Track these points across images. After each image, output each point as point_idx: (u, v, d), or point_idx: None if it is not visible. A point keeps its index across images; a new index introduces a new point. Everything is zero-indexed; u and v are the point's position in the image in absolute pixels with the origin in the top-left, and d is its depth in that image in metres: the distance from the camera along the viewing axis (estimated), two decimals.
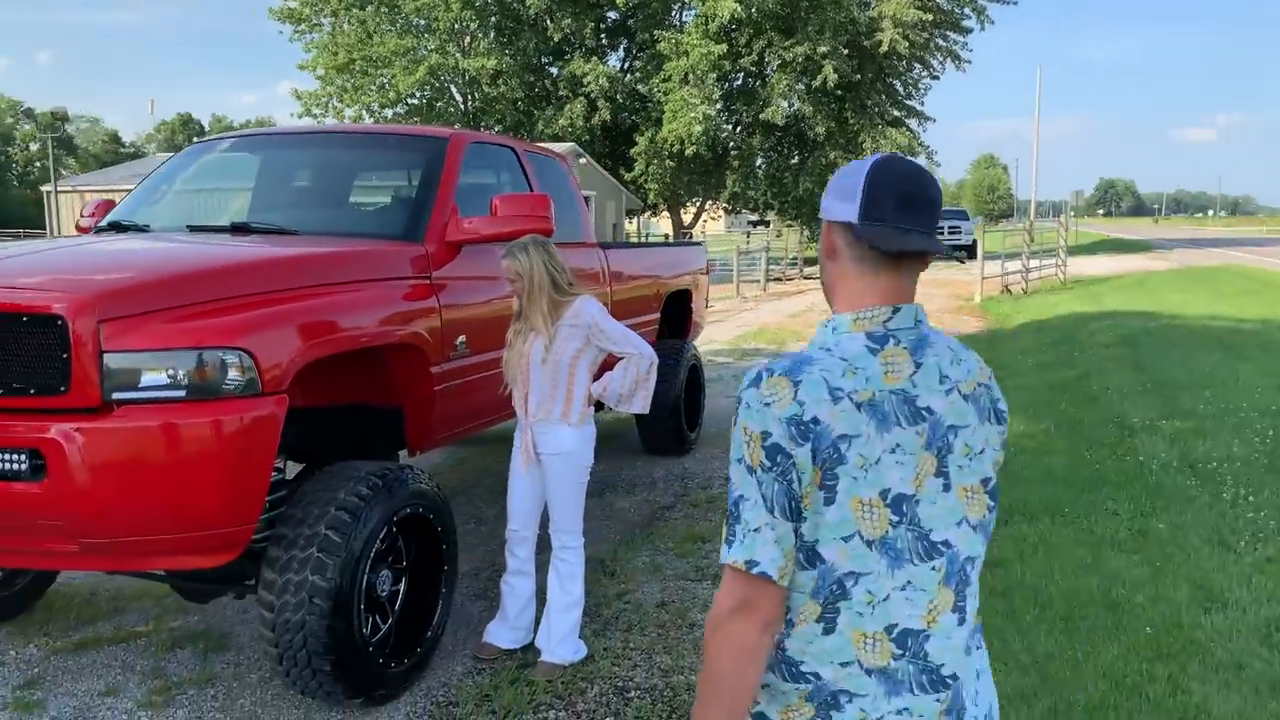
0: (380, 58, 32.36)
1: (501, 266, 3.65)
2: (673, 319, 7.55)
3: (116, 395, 2.90)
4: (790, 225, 40.84)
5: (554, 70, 35.57)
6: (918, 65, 36.06)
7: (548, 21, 33.41)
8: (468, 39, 33.74)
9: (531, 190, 5.11)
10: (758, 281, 25.25)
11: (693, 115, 31.16)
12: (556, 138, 32.50)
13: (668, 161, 33.73)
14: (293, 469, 3.97)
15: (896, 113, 36.17)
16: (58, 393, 2.88)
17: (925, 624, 1.45)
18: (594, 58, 33.49)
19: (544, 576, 3.93)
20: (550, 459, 3.70)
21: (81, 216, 4.94)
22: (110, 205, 4.90)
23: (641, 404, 3.70)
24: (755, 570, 1.39)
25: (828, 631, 1.44)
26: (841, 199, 1.50)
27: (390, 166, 4.81)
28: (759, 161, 38.73)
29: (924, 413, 1.45)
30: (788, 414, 1.39)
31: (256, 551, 3.40)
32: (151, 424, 2.91)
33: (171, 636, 4.10)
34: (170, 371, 2.95)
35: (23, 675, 3.76)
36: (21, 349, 2.90)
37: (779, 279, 27.73)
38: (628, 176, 35.00)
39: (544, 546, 3.91)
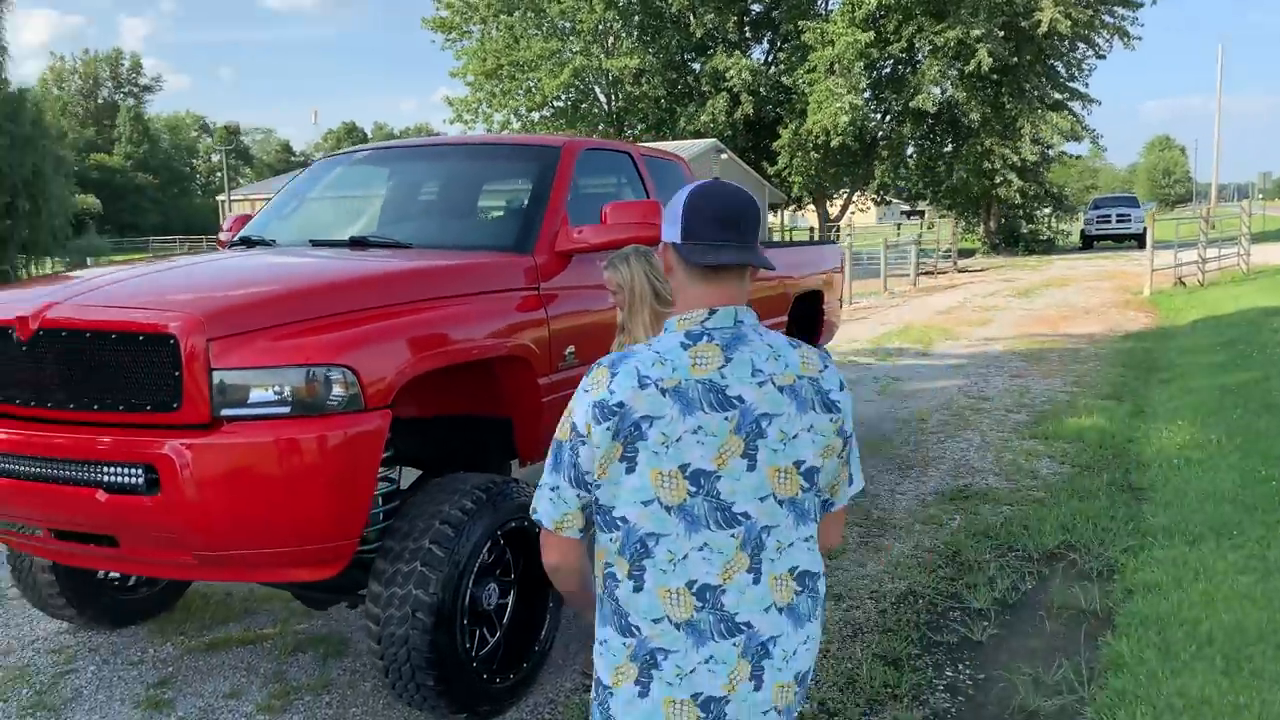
0: (526, 62, 33.09)
1: (603, 278, 3.57)
2: (803, 321, 7.32)
3: (225, 412, 2.98)
4: (944, 216, 39.44)
5: (696, 66, 35.54)
6: (1081, 44, 34.14)
7: (690, 18, 33.38)
8: (611, 39, 34.07)
9: (648, 195, 5.02)
10: (907, 276, 24.43)
11: (838, 105, 30.51)
12: (698, 134, 32.46)
13: (812, 153, 33.14)
14: (408, 478, 4.01)
15: (1058, 95, 34.36)
16: (171, 409, 2.98)
17: (721, 580, 1.71)
18: (736, 51, 33.27)
19: None
20: None
21: (221, 230, 5.17)
22: (246, 219, 5.10)
23: None
24: (535, 516, 1.82)
25: (638, 589, 1.72)
26: (669, 224, 1.80)
27: (504, 177, 4.81)
28: (910, 150, 37.55)
29: (734, 400, 1.70)
30: (598, 399, 1.70)
31: (367, 562, 3.44)
32: (257, 440, 2.96)
33: (295, 640, 4.22)
34: (276, 388, 3.00)
35: (158, 674, 3.94)
36: (139, 367, 3.01)
37: (930, 273, 26.74)
38: (771, 170, 34.58)
39: None
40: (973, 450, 7.12)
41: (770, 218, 39.05)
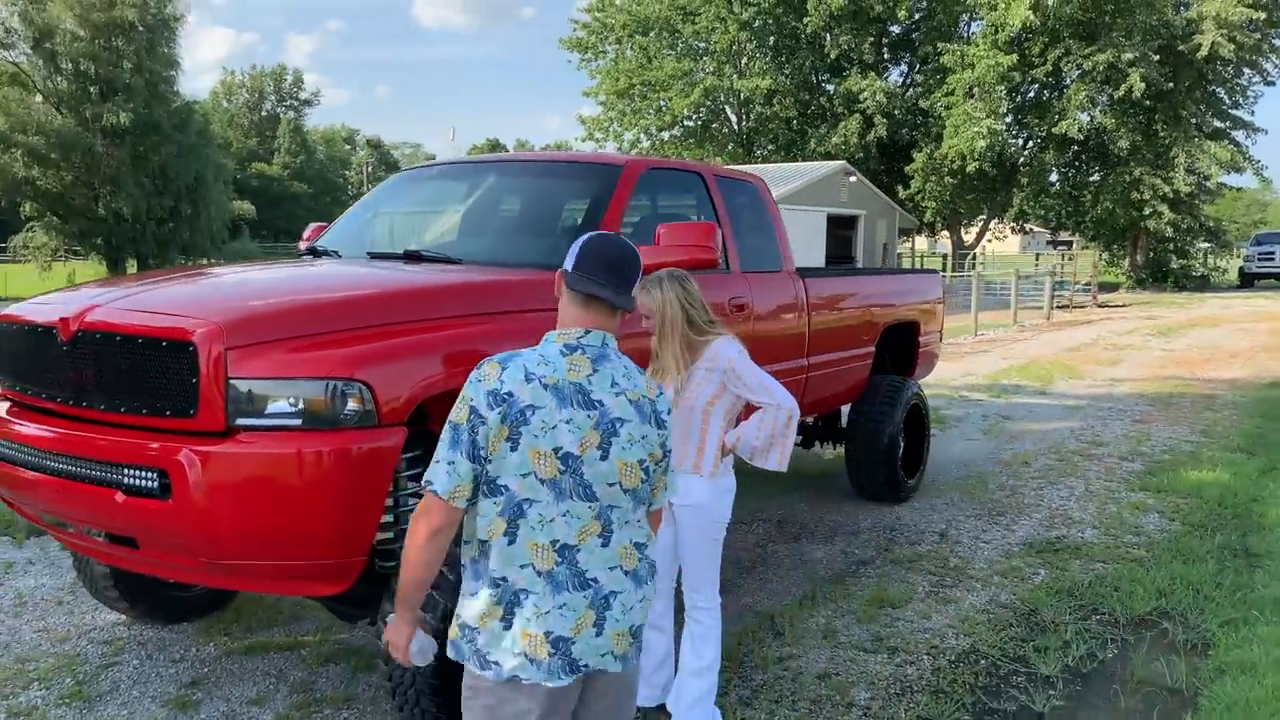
0: (658, 81, 33.31)
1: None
2: (897, 353, 7.00)
3: (240, 421, 2.98)
4: (1087, 247, 37.64)
5: (829, 87, 35.01)
6: (1247, 70, 32.03)
7: (826, 38, 32.95)
8: (744, 59, 33.95)
9: (718, 216, 4.86)
10: (1041, 308, 23.33)
11: (976, 130, 29.52)
12: (829, 155, 31.95)
13: (947, 179, 32.16)
14: None
15: (1218, 123, 32.30)
16: (188, 415, 3.00)
17: (577, 540, 2.10)
18: (872, 73, 32.59)
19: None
20: (681, 510, 3.42)
21: (302, 240, 5.27)
22: (323, 228, 5.19)
23: (778, 461, 3.34)
24: (429, 488, 2.07)
25: (510, 542, 2.07)
26: (569, 256, 2.22)
27: (564, 195, 4.73)
28: (1052, 178, 35.97)
29: (596, 403, 2.12)
30: (490, 389, 2.06)
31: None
32: (267, 451, 2.95)
33: (331, 650, 4.22)
34: (290, 400, 2.99)
35: (193, 674, 4.00)
36: (162, 372, 3.05)
37: (1066, 306, 25.47)
38: (903, 194, 33.70)
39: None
40: (1073, 500, 6.64)
41: (902, 243, 38.03)
